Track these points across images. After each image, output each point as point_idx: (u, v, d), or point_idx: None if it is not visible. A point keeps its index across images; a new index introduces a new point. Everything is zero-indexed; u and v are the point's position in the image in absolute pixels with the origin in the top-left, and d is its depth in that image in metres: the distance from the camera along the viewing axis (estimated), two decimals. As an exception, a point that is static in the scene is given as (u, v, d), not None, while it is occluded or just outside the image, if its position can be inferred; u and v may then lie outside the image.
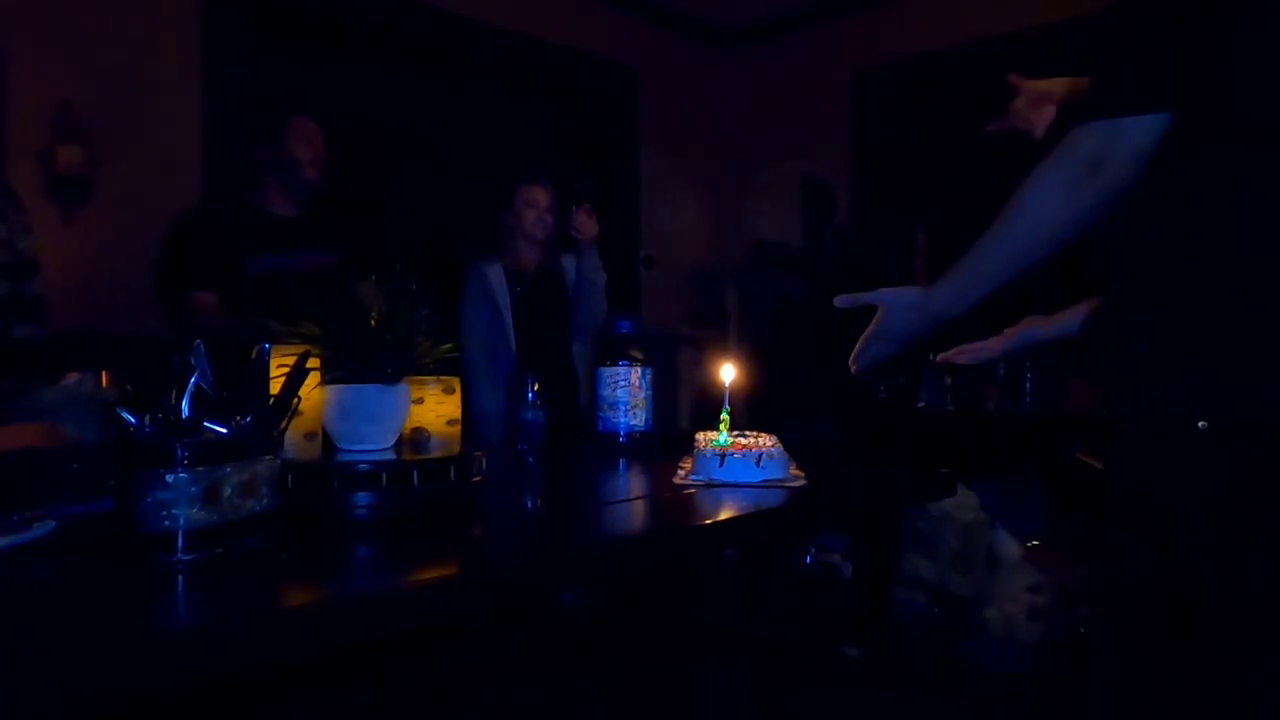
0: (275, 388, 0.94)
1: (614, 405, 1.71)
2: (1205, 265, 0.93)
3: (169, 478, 0.79)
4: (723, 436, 1.38)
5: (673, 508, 1.21)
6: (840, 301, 1.26)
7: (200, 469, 0.80)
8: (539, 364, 2.54)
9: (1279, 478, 0.87)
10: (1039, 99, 1.40)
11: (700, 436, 1.38)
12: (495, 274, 2.76)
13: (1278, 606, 0.87)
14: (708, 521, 1.11)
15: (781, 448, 1.35)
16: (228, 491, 0.83)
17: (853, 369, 1.26)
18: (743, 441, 1.35)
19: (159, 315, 2.50)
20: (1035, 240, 1.01)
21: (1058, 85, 1.39)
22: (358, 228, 2.71)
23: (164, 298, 2.43)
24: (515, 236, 2.80)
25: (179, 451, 0.79)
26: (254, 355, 1.00)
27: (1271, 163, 0.90)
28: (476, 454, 1.11)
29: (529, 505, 1.28)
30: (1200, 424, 0.90)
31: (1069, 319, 1.38)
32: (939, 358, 1.53)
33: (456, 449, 1.16)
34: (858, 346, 1.25)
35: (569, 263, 2.85)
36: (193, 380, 0.84)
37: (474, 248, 2.92)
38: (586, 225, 2.77)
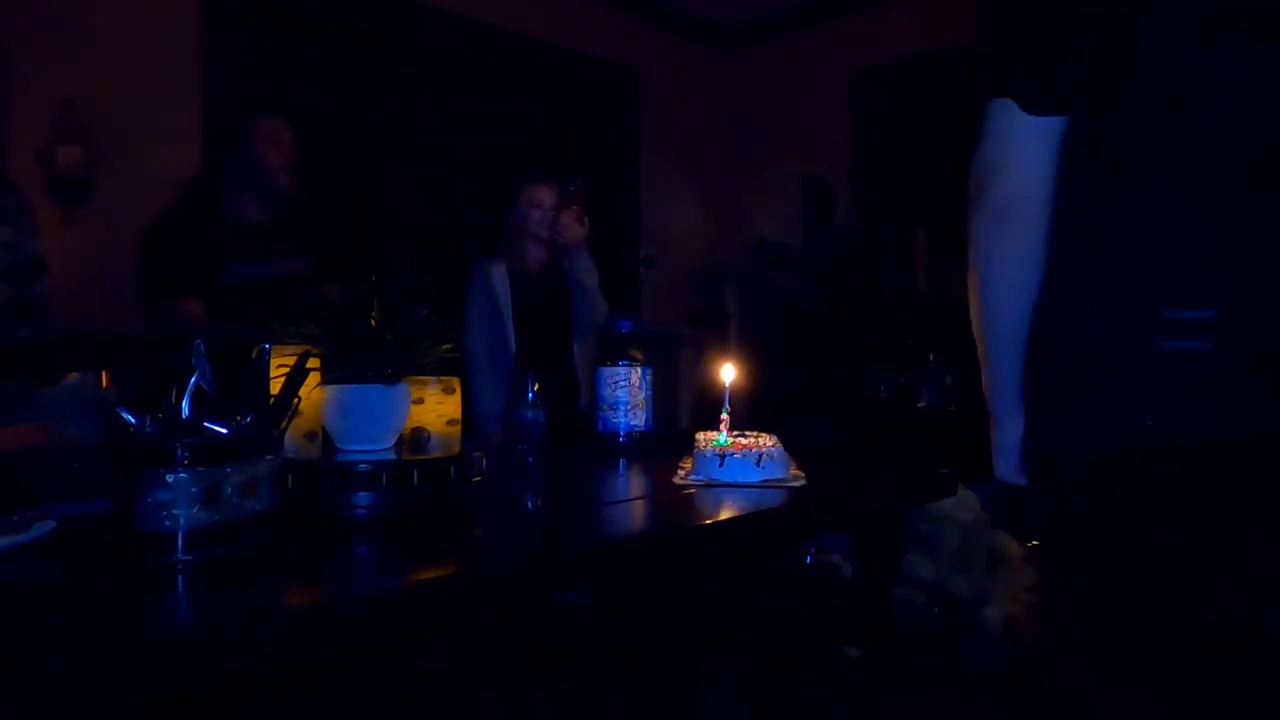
0: (275, 388, 0.94)
1: (614, 405, 1.71)
2: (1066, 292, 0.89)
3: (169, 478, 0.79)
4: (722, 437, 1.38)
5: (673, 508, 1.21)
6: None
7: (200, 469, 0.80)
8: (540, 364, 2.54)
9: (1130, 499, 0.85)
10: None
11: (700, 436, 1.38)
12: (498, 274, 2.76)
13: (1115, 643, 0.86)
14: (708, 521, 1.11)
15: (781, 448, 1.35)
16: (228, 491, 0.83)
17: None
18: (743, 441, 1.35)
19: (149, 321, 2.50)
20: (1007, 294, 0.93)
21: None
22: (333, 229, 2.67)
23: (149, 304, 2.41)
24: (520, 236, 2.80)
25: (179, 451, 0.79)
26: (254, 355, 1.00)
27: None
28: (476, 454, 1.11)
29: (529, 505, 1.28)
30: (1069, 453, 0.88)
31: None
32: None
33: (456, 449, 1.16)
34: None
35: (569, 264, 2.86)
36: (193, 380, 0.84)
37: (477, 247, 2.92)
38: (572, 229, 2.77)
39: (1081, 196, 0.87)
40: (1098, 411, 0.86)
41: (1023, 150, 0.87)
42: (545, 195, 2.80)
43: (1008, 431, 1.01)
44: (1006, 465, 1.04)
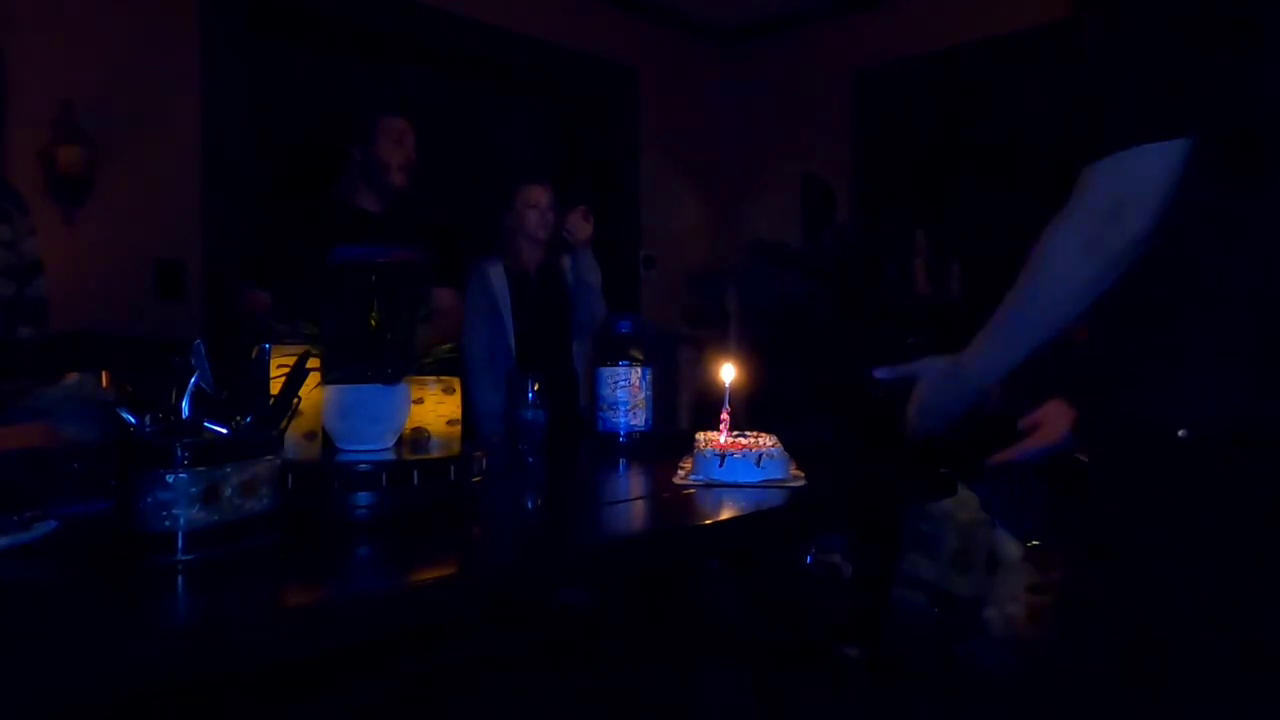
0: (275, 388, 0.94)
1: (614, 405, 1.71)
2: (1188, 276, 0.91)
3: (169, 478, 0.79)
4: (722, 437, 1.38)
5: (673, 508, 1.20)
6: (880, 374, 1.24)
7: (200, 469, 0.80)
8: (539, 364, 2.54)
9: (1249, 487, 0.86)
10: None
11: (700, 436, 1.38)
12: (496, 274, 2.76)
13: (1226, 614, 0.86)
14: (708, 521, 1.11)
15: (781, 448, 1.35)
16: (228, 491, 0.83)
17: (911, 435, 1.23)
18: (743, 441, 1.35)
19: (157, 314, 2.50)
20: (1062, 302, 0.95)
21: None
22: (444, 226, 2.73)
23: (237, 284, 2.47)
24: (517, 236, 2.80)
25: (179, 451, 0.79)
26: (254, 355, 1.00)
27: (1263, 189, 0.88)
28: (476, 454, 1.11)
29: (529, 505, 1.28)
30: (1180, 433, 0.88)
31: None
32: (994, 460, 1.40)
33: (456, 449, 1.16)
34: (909, 420, 1.23)
35: (569, 263, 2.85)
36: (193, 380, 0.84)
37: (475, 247, 2.92)
38: (580, 227, 2.77)
39: (1208, 193, 0.88)
40: (1226, 395, 0.87)
41: (1162, 188, 0.87)
42: (540, 195, 2.80)
43: (970, 399, 1.13)
44: (941, 421, 1.17)
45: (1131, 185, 0.87)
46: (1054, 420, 1.27)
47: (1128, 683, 0.95)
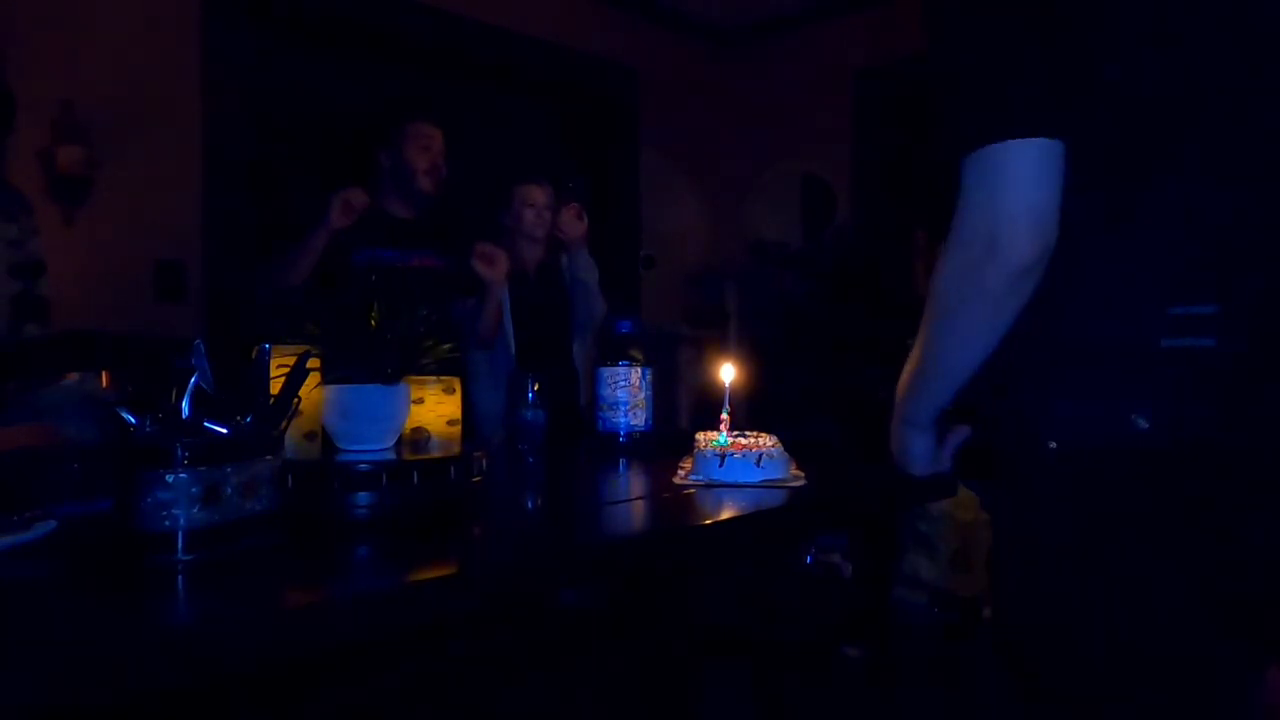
0: (275, 388, 0.94)
1: (614, 405, 1.71)
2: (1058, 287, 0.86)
3: (169, 478, 0.79)
4: (723, 437, 1.37)
5: (673, 508, 1.20)
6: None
7: (200, 469, 0.80)
8: (539, 363, 2.55)
9: (1128, 500, 0.84)
10: None
11: (700, 436, 1.38)
12: None
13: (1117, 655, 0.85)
14: (708, 521, 1.11)
15: (781, 448, 1.35)
16: (228, 491, 0.83)
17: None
18: (743, 441, 1.35)
19: (157, 315, 2.50)
20: (963, 347, 0.91)
21: None
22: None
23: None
24: (515, 236, 2.80)
25: (179, 451, 0.79)
26: (254, 355, 1.00)
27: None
28: (476, 454, 1.11)
29: (529, 505, 1.28)
30: (1050, 444, 0.86)
31: None
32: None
33: (456, 449, 1.16)
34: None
35: (566, 262, 2.86)
36: (193, 380, 0.84)
37: (468, 233, 2.92)
38: (573, 225, 2.78)
39: (1084, 200, 0.84)
40: (1092, 406, 0.85)
41: (1050, 191, 0.80)
42: (538, 195, 2.80)
43: (926, 440, 1.15)
44: (923, 466, 1.17)
45: (999, 207, 0.80)
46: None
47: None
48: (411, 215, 2.55)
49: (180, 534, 0.79)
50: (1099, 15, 0.82)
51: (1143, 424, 0.81)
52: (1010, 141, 0.78)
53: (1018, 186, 0.79)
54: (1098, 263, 0.85)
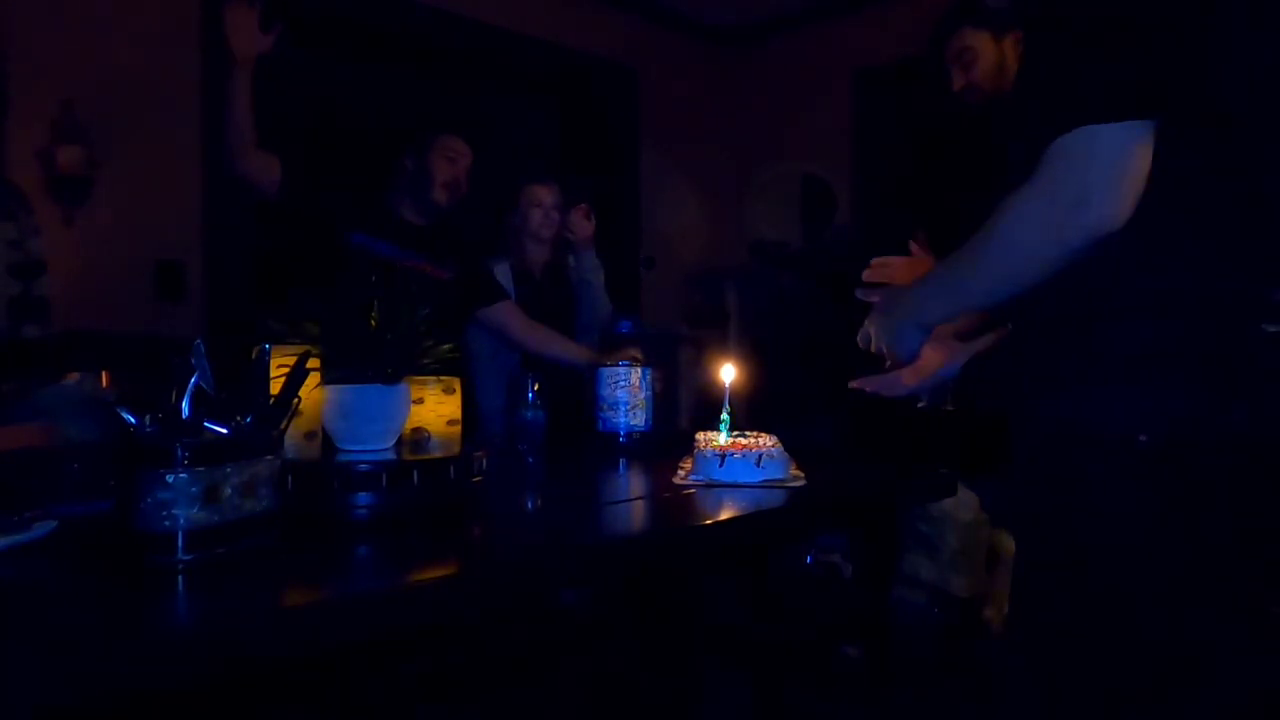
0: (275, 388, 0.94)
1: (614, 405, 1.71)
2: (1139, 284, 0.87)
3: (169, 478, 0.79)
4: (724, 427, 1.38)
5: (673, 508, 1.21)
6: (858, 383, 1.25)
7: (200, 469, 0.80)
8: (543, 363, 2.55)
9: (1219, 492, 0.83)
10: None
11: (700, 436, 1.38)
12: (502, 273, 2.76)
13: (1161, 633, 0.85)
14: (708, 521, 1.11)
15: (781, 448, 1.35)
16: (228, 491, 0.83)
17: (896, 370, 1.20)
18: (743, 441, 1.35)
19: (157, 314, 2.49)
20: (1014, 278, 0.91)
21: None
22: (482, 249, 2.74)
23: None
24: (522, 236, 2.81)
25: (179, 451, 0.79)
26: (254, 355, 1.00)
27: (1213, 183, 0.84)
28: (476, 454, 1.11)
29: (529, 505, 1.28)
30: (1141, 438, 0.85)
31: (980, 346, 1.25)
32: (852, 384, 1.35)
33: (456, 449, 1.16)
34: (866, 334, 1.17)
35: (572, 262, 2.86)
36: (193, 380, 0.84)
37: (482, 247, 2.92)
38: (581, 226, 2.78)
39: (1189, 185, 0.84)
40: (1182, 398, 0.84)
41: (1142, 165, 0.81)
42: (545, 195, 2.81)
43: (919, 338, 1.10)
44: (906, 356, 1.13)
45: (1096, 170, 0.81)
46: (928, 362, 1.22)
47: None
48: (421, 223, 2.54)
49: (180, 534, 0.79)
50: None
51: (1240, 415, 0.80)
52: (1126, 123, 0.80)
53: (1118, 156, 0.81)
54: (1190, 253, 0.84)
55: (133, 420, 0.82)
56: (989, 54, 1.81)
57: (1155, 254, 0.85)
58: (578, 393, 2.76)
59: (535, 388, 1.65)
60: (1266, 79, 0.83)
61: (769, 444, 1.34)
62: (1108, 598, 0.88)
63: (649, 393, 1.74)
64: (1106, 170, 0.80)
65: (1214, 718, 0.85)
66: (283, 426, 0.93)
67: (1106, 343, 0.88)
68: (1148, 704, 0.86)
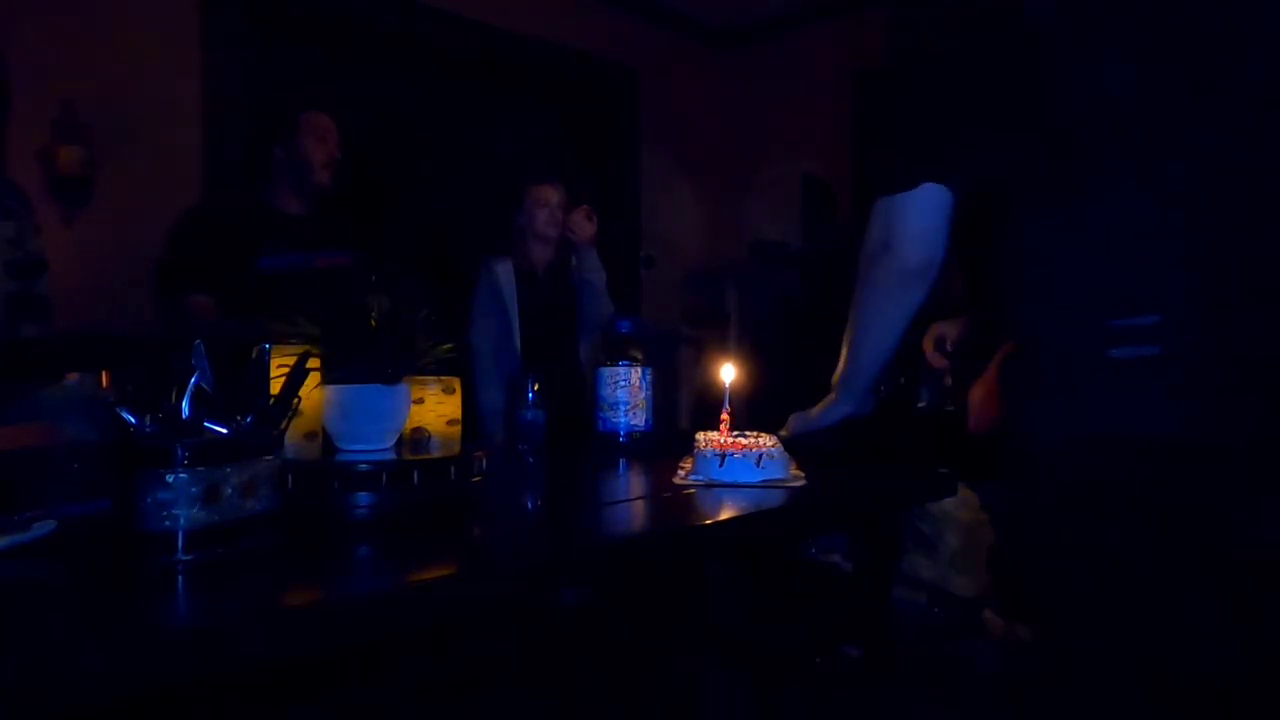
0: (275, 388, 0.94)
1: (614, 405, 1.71)
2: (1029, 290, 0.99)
3: (169, 478, 0.79)
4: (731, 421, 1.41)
5: (673, 508, 1.20)
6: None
7: (200, 469, 0.80)
8: (545, 363, 2.55)
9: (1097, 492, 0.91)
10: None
11: (700, 436, 1.38)
12: (505, 272, 2.77)
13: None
14: (708, 521, 1.11)
15: (781, 448, 1.35)
16: (228, 491, 0.83)
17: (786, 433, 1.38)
18: (743, 441, 1.35)
19: (157, 314, 2.49)
20: (871, 321, 1.14)
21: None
22: (367, 228, 2.70)
23: (164, 294, 2.41)
24: (526, 236, 2.81)
25: (179, 451, 0.79)
26: (254, 355, 1.00)
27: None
28: (476, 454, 1.11)
29: (529, 505, 1.28)
30: (1034, 441, 0.96)
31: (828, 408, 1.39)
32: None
33: (456, 449, 1.16)
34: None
35: (574, 262, 2.86)
36: (193, 380, 0.84)
37: (479, 246, 2.92)
38: (583, 226, 2.78)
39: (1030, 220, 0.97)
40: (1058, 411, 0.94)
41: (940, 225, 1.02)
42: (550, 195, 2.81)
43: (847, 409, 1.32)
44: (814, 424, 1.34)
45: (893, 226, 1.03)
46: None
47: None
48: (305, 211, 2.43)
49: (180, 534, 0.79)
50: (1038, 44, 0.93)
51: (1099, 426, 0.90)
52: (908, 193, 1.02)
53: (908, 217, 1.03)
54: (1055, 276, 0.95)
55: (133, 420, 0.82)
56: None
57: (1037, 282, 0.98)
58: (582, 393, 2.77)
59: (535, 388, 1.65)
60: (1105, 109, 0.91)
61: (769, 444, 1.34)
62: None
63: (649, 393, 1.74)
64: (900, 227, 1.03)
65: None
66: (283, 426, 0.93)
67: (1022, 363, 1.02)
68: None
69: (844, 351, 1.26)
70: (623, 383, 1.71)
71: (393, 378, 1.08)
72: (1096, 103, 0.90)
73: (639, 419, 1.72)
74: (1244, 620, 0.88)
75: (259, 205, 2.41)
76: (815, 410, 1.36)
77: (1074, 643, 0.94)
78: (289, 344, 1.04)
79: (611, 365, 1.73)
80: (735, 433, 1.39)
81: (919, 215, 1.02)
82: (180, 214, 2.44)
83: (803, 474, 1.34)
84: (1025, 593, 1.06)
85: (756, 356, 3.71)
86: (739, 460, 1.30)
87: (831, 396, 1.34)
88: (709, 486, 1.29)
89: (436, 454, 1.12)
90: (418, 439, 1.21)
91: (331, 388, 1.07)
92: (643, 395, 1.72)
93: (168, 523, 0.79)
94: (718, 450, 1.32)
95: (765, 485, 1.29)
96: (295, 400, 0.94)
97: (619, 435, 1.71)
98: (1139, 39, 0.89)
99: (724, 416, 1.42)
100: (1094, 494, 0.91)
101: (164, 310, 2.39)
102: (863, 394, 1.31)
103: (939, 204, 1.01)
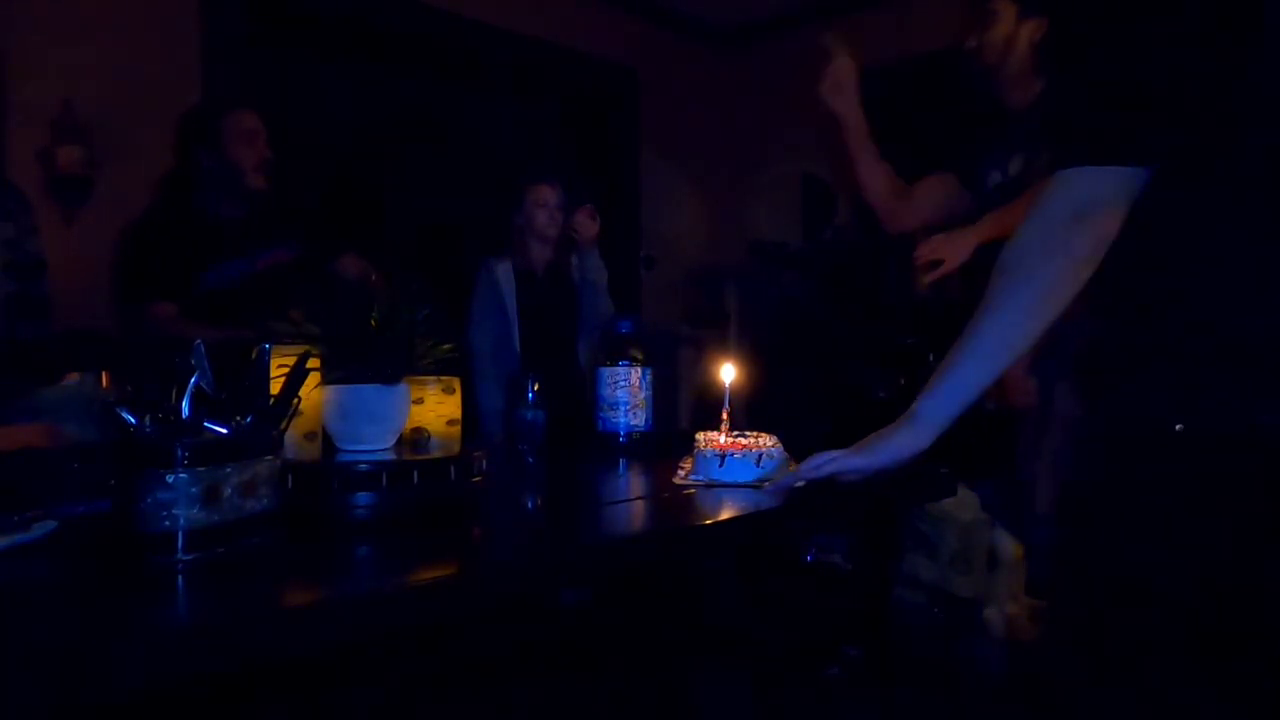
0: (275, 388, 0.94)
1: (614, 405, 1.71)
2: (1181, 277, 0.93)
3: (169, 478, 0.79)
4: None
5: (673, 508, 1.20)
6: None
7: (200, 469, 0.80)
8: (545, 363, 2.55)
9: (1235, 486, 0.88)
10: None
11: (700, 436, 1.38)
12: (504, 272, 2.77)
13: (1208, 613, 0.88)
14: (708, 521, 1.11)
15: (781, 448, 1.35)
16: (228, 491, 0.83)
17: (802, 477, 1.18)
18: (743, 441, 1.35)
19: (122, 322, 2.46)
20: (1025, 306, 0.95)
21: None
22: (316, 213, 2.64)
23: (127, 302, 2.38)
24: (526, 236, 2.81)
25: (179, 451, 0.79)
26: (254, 355, 1.00)
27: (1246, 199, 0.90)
28: (476, 454, 1.11)
29: (529, 505, 1.28)
30: (1177, 427, 0.90)
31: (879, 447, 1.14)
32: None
33: (456, 449, 1.16)
34: (819, 461, 1.15)
35: (575, 262, 2.86)
36: (193, 380, 0.84)
37: (478, 246, 2.92)
38: (586, 226, 2.78)
39: (1212, 213, 0.90)
40: (1222, 398, 0.88)
41: (1117, 205, 0.90)
42: (549, 195, 2.81)
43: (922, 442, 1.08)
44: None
45: (1088, 200, 0.90)
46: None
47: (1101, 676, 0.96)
48: (243, 214, 2.32)
49: (180, 534, 0.79)
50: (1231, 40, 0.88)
51: (1265, 419, 0.86)
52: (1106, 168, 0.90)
53: (1103, 194, 0.90)
54: (1239, 274, 0.90)
55: (133, 420, 0.82)
56: (1006, 24, 1.90)
57: (1189, 260, 0.92)
58: (578, 393, 2.77)
59: (535, 388, 1.65)
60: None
61: (769, 444, 1.34)
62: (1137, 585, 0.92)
63: (649, 393, 1.74)
64: (1095, 202, 0.90)
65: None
66: (283, 426, 0.93)
67: (1149, 337, 0.94)
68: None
69: (956, 357, 1.02)
70: (623, 383, 1.71)
71: (393, 378, 1.08)
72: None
73: (639, 419, 1.72)
74: None
75: (194, 213, 2.32)
76: (875, 438, 1.11)
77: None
78: (289, 344, 1.04)
79: (611, 365, 1.73)
80: (735, 433, 1.39)
81: (1126, 189, 0.89)
82: (122, 226, 2.38)
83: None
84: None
85: (756, 356, 3.71)
86: (739, 460, 1.30)
87: (905, 420, 1.08)
88: (709, 486, 1.29)
89: (436, 454, 1.12)
90: (417, 439, 1.21)
91: (331, 388, 1.07)
92: (643, 395, 1.72)
93: (168, 523, 0.79)
94: (718, 450, 1.31)
95: (765, 485, 1.29)
96: (295, 400, 0.94)
97: (619, 435, 1.71)
98: None
99: (724, 416, 1.42)
100: (1197, 486, 0.88)
101: (129, 320, 2.33)
102: (946, 425, 1.06)
103: (1140, 181, 0.89)
